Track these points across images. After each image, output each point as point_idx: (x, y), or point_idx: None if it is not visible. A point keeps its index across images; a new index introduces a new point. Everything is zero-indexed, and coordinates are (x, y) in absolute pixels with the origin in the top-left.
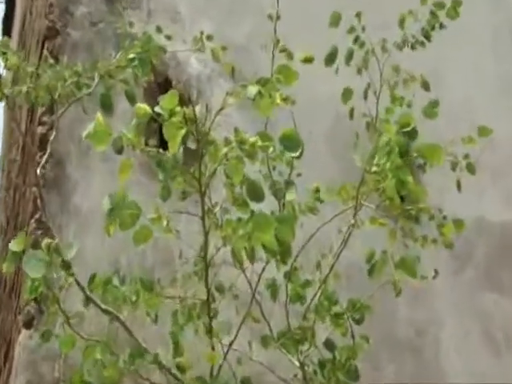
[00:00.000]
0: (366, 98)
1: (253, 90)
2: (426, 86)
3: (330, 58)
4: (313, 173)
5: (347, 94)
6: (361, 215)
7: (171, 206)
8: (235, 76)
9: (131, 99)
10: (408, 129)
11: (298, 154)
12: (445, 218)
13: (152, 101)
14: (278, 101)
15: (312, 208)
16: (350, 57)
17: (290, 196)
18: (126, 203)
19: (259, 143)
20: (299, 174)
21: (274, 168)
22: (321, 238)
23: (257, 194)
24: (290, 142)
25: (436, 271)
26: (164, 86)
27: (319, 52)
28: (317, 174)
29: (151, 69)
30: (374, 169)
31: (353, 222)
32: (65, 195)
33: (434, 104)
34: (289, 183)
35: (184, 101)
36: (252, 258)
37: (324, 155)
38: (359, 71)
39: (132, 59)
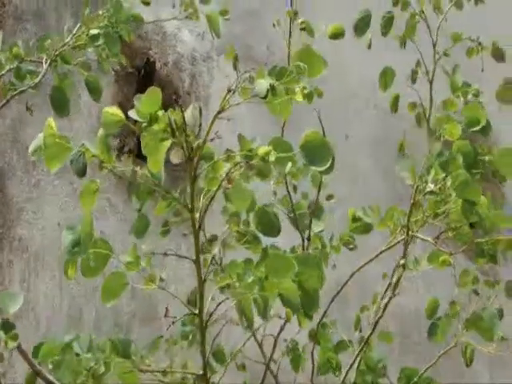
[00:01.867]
0: (414, 81)
1: (263, 85)
2: (499, 55)
3: (361, 26)
4: (351, 193)
5: (387, 76)
6: (419, 250)
7: (155, 240)
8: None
9: (94, 92)
10: (477, 127)
11: (326, 167)
12: None
13: (128, 90)
14: (300, 98)
15: (349, 242)
16: (388, 24)
17: (317, 226)
18: (92, 239)
19: (273, 155)
20: (330, 197)
21: (296, 188)
22: (363, 283)
23: (271, 226)
24: (315, 152)
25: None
26: (145, 70)
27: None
28: (356, 194)
29: (124, 48)
30: (430, 187)
31: (402, 262)
32: (6, 224)
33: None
34: (316, 209)
35: (172, 91)
36: (265, 314)
37: (365, 168)
38: (403, 44)
39: (95, 36)
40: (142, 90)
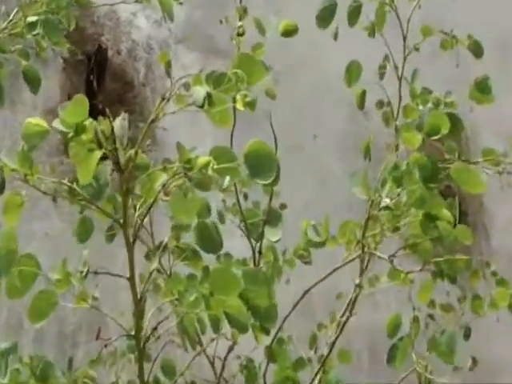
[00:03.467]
0: (381, 77)
1: (200, 93)
2: (476, 50)
3: (325, 16)
4: (318, 198)
5: (353, 70)
6: (383, 265)
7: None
8: (203, 48)
9: (32, 83)
10: (437, 137)
11: (270, 181)
12: (494, 274)
13: (78, 79)
14: (241, 106)
15: (303, 256)
16: (355, 13)
17: (273, 236)
18: (16, 257)
19: (212, 166)
20: (283, 206)
21: (246, 196)
22: (333, 296)
23: (211, 242)
24: (259, 163)
25: (474, 360)
26: (96, 57)
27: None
28: (324, 199)
29: (74, 33)
30: (386, 202)
31: (357, 281)
32: None
33: (486, 81)
34: (270, 217)
35: (126, 82)
36: (216, 328)
37: (334, 170)
38: (372, 34)
39: (32, 24)
40: (93, 78)
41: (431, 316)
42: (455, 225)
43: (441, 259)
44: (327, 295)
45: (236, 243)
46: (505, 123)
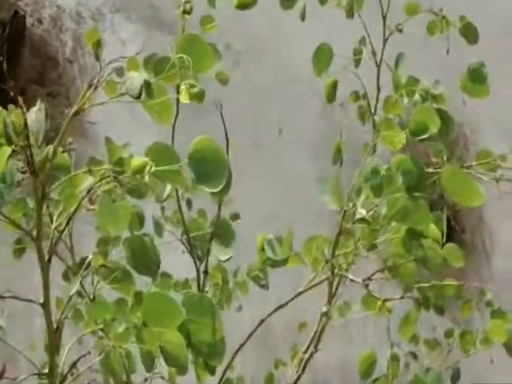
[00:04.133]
0: (357, 64)
1: (135, 81)
2: (471, 34)
3: None
4: (285, 206)
5: (322, 56)
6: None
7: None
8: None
9: None
10: (424, 136)
11: (218, 188)
12: (489, 304)
13: None
14: (186, 98)
15: (258, 278)
16: None
17: (223, 254)
18: None
19: (149, 169)
20: (235, 216)
21: (190, 203)
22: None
23: (146, 262)
24: (206, 166)
25: None
26: (12, 25)
27: None
28: (292, 207)
29: None
30: (361, 213)
31: (324, 309)
32: None
33: (481, 67)
34: (216, 232)
35: (49, 57)
36: (150, 366)
37: (304, 172)
38: (349, 14)
39: None
40: (8, 51)
41: (413, 354)
42: (444, 243)
43: (426, 285)
44: (291, 325)
45: (176, 261)
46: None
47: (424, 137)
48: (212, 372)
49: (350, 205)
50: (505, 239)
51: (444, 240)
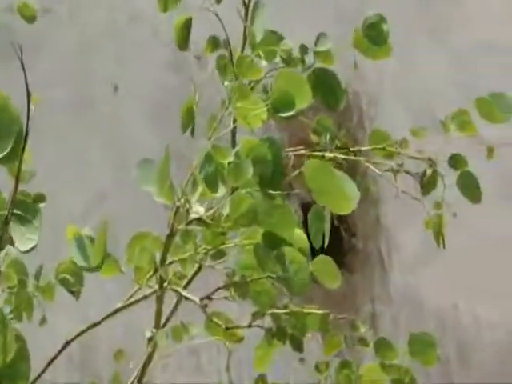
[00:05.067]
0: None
1: None
2: None
3: None
4: (119, 185)
5: None
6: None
7: None
8: None
9: None
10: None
11: (4, 152)
12: (362, 342)
13: None
14: None
15: (67, 282)
16: None
17: (25, 242)
18: None
19: None
20: (40, 197)
21: None
22: None
23: None
24: None
25: None
26: None
27: None
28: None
29: None
30: (198, 212)
31: (148, 334)
32: None
33: (380, 22)
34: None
35: None
36: None
37: (144, 143)
38: None
39: None
40: None
41: None
42: (314, 254)
43: (281, 311)
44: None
45: None
46: (421, 93)
47: (290, 113)
48: None
49: (183, 200)
50: (406, 248)
51: (325, 247)
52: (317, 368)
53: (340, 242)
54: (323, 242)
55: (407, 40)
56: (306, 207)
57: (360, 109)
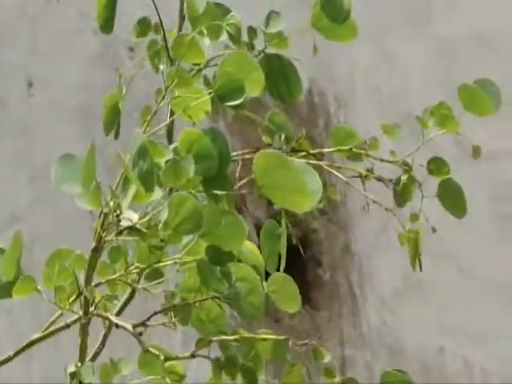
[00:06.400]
0: None
1: None
2: None
3: None
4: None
5: None
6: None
7: None
8: None
9: None
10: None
11: None
12: (328, 374)
13: None
14: None
15: None
16: None
17: None
18: None
19: None
20: None
21: None
22: None
23: None
24: None
25: None
26: None
27: None
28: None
29: None
30: (131, 220)
31: (71, 369)
32: None
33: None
34: None
35: None
36: None
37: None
38: None
39: None
40: None
41: None
42: (268, 273)
43: (231, 338)
44: None
45: None
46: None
47: (237, 102)
48: None
49: (112, 204)
50: (383, 279)
51: (280, 270)
52: None
53: (303, 273)
54: (279, 265)
55: (383, 28)
56: (260, 229)
57: (327, 112)
